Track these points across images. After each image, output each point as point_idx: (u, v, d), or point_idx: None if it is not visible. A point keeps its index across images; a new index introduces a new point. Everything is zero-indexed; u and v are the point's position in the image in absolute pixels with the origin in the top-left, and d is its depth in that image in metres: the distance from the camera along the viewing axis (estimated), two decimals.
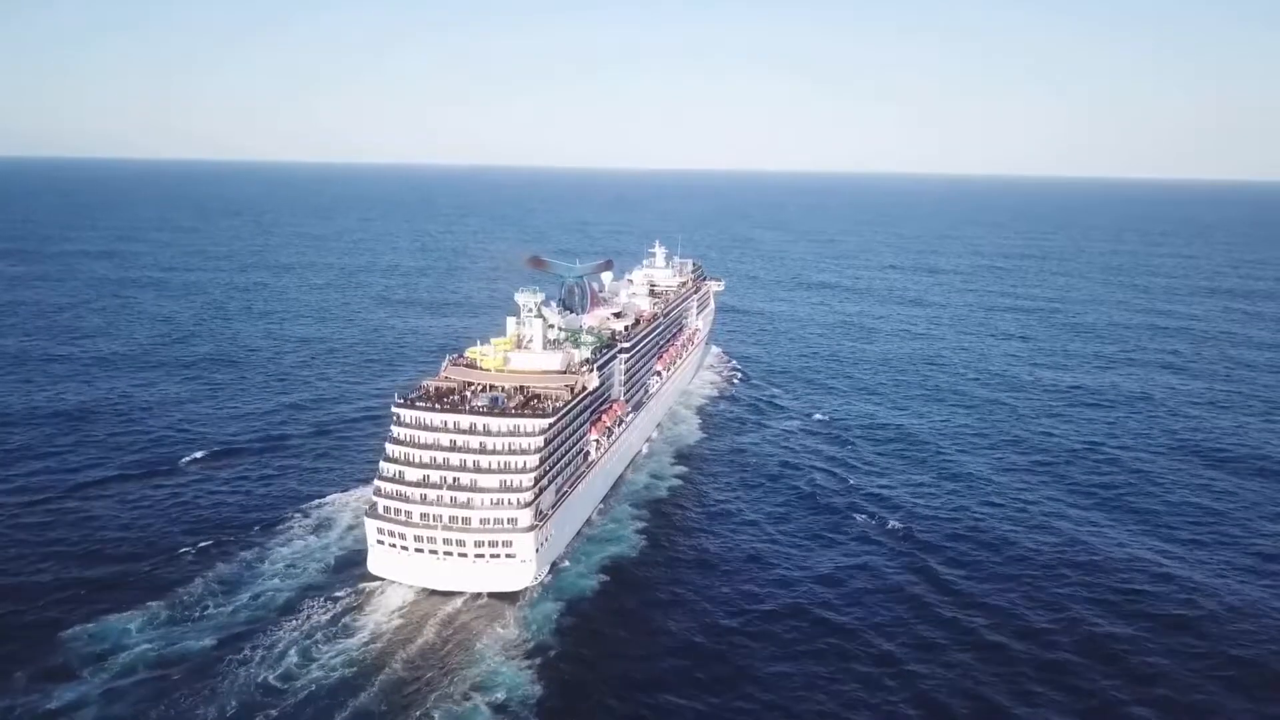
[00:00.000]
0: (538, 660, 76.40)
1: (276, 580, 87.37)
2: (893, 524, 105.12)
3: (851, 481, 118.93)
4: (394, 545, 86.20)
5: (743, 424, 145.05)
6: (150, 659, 74.84)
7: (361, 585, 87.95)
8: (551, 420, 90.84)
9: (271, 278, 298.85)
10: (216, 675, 73.11)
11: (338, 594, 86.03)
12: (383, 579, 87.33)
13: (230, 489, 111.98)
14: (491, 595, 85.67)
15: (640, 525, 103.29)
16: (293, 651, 76.19)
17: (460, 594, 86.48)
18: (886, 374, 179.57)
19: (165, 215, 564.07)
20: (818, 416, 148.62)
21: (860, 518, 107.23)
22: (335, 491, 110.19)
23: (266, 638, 78.13)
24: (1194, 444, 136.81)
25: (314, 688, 71.94)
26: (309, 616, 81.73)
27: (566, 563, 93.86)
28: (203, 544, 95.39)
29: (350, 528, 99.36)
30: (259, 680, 72.56)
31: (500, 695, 71.29)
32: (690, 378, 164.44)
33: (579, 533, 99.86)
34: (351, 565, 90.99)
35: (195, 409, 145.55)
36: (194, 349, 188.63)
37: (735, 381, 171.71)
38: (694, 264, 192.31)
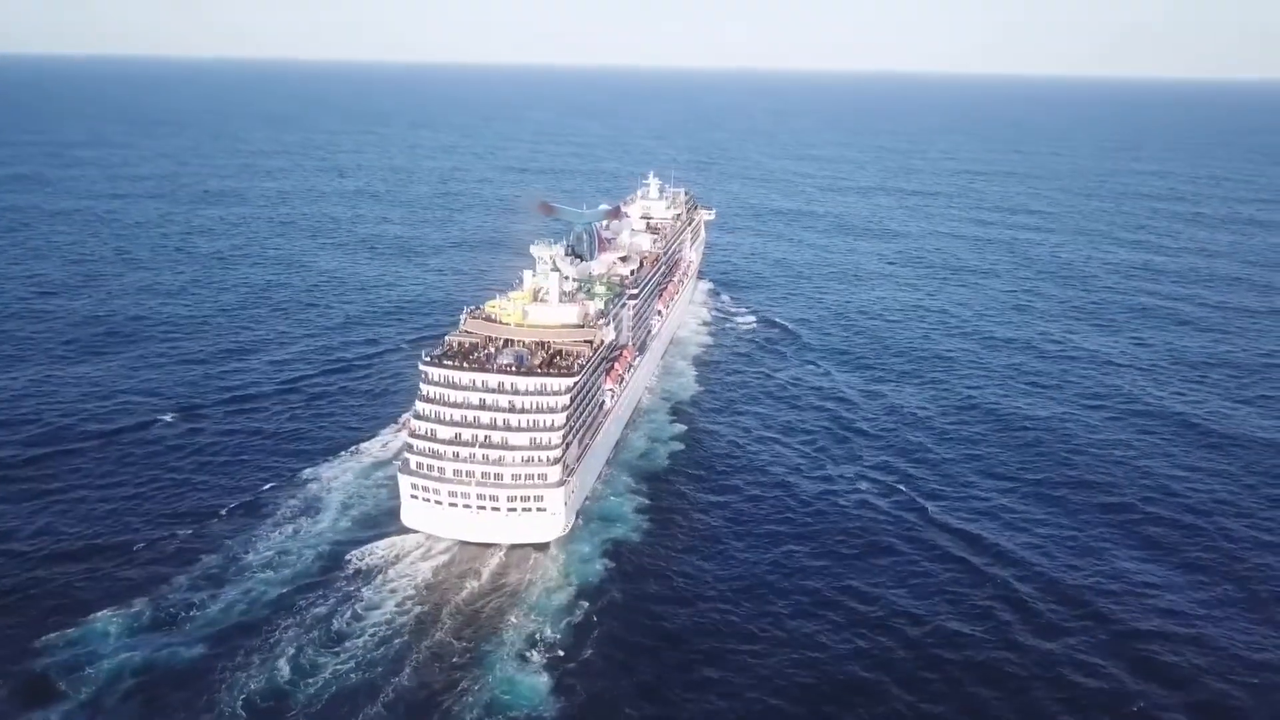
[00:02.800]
0: (552, 663, 73.04)
1: (269, 572, 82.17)
2: (899, 490, 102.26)
3: (854, 442, 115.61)
4: (428, 500, 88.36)
5: (738, 375, 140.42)
6: (136, 667, 70.06)
7: (364, 570, 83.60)
8: (576, 379, 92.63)
9: (223, 208, 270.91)
10: (211, 685, 68.65)
11: (337, 585, 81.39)
12: (416, 530, 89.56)
13: (204, 460, 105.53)
14: (523, 546, 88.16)
15: (641, 502, 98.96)
16: (291, 655, 71.81)
17: (477, 581, 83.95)
18: (878, 322, 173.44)
19: (96, 128, 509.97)
20: (813, 365, 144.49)
21: (864, 485, 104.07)
22: (316, 462, 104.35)
23: (262, 640, 73.57)
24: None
25: (316, 696, 67.93)
26: (306, 613, 77.08)
27: (573, 545, 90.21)
28: (181, 529, 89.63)
29: (345, 508, 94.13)
30: (257, 690, 68.22)
31: (520, 713, 67.81)
32: (684, 311, 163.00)
33: (585, 499, 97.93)
34: (348, 554, 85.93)
35: (149, 365, 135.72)
36: (138, 296, 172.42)
37: (726, 324, 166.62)
38: (686, 193, 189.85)
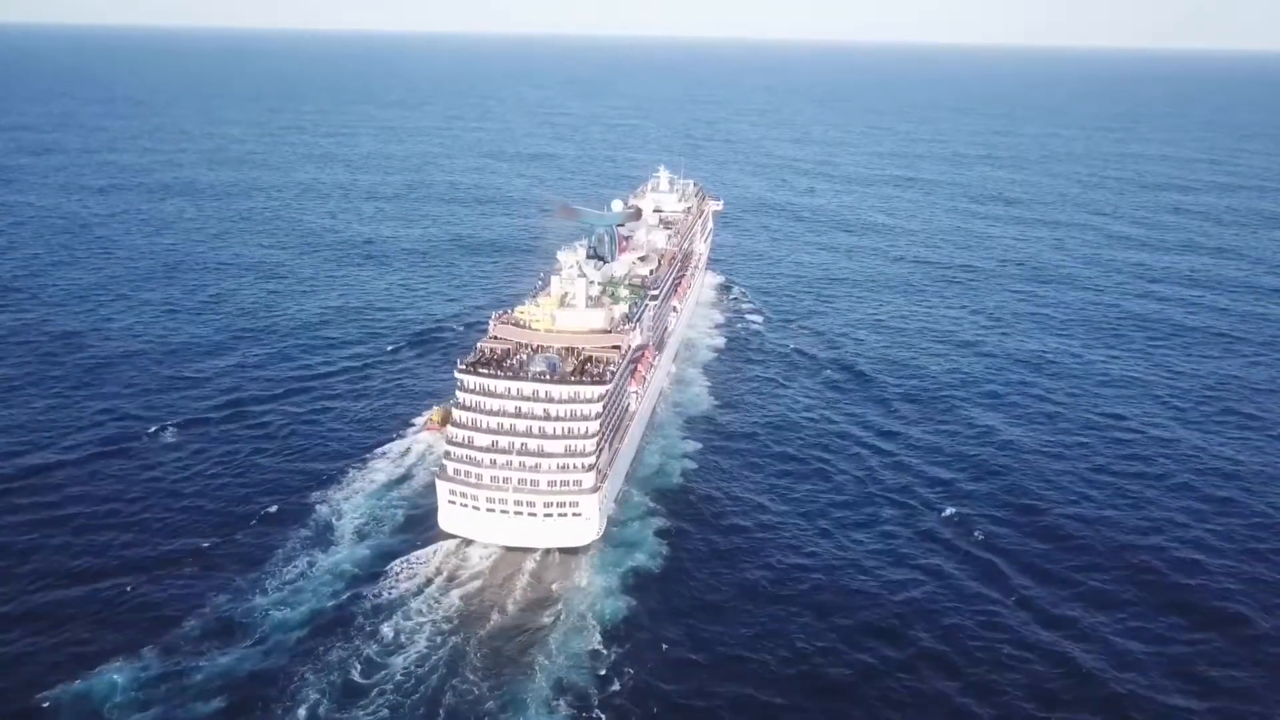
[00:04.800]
0: (580, 712, 69.82)
1: (284, 612, 78.05)
2: (948, 512, 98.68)
3: (885, 456, 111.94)
4: (465, 505, 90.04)
5: (750, 385, 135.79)
6: None
7: (384, 605, 79.68)
8: (608, 386, 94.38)
9: (205, 201, 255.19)
10: None
11: (357, 623, 77.49)
12: (455, 535, 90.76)
13: (200, 482, 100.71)
14: (560, 551, 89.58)
15: (659, 525, 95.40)
16: (313, 704, 68.27)
17: (502, 615, 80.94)
18: (889, 323, 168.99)
19: (66, 109, 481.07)
20: (830, 372, 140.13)
21: (900, 503, 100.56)
22: (323, 483, 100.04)
23: (280, 690, 69.73)
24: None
25: None
26: (327, 658, 73.24)
27: (596, 576, 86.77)
28: (186, 565, 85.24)
29: (360, 536, 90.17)
30: None
31: None
32: (695, 304, 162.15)
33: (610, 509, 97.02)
34: (367, 588, 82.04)
35: (124, 376, 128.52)
36: (100, 301, 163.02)
37: (737, 324, 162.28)
38: (695, 185, 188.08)
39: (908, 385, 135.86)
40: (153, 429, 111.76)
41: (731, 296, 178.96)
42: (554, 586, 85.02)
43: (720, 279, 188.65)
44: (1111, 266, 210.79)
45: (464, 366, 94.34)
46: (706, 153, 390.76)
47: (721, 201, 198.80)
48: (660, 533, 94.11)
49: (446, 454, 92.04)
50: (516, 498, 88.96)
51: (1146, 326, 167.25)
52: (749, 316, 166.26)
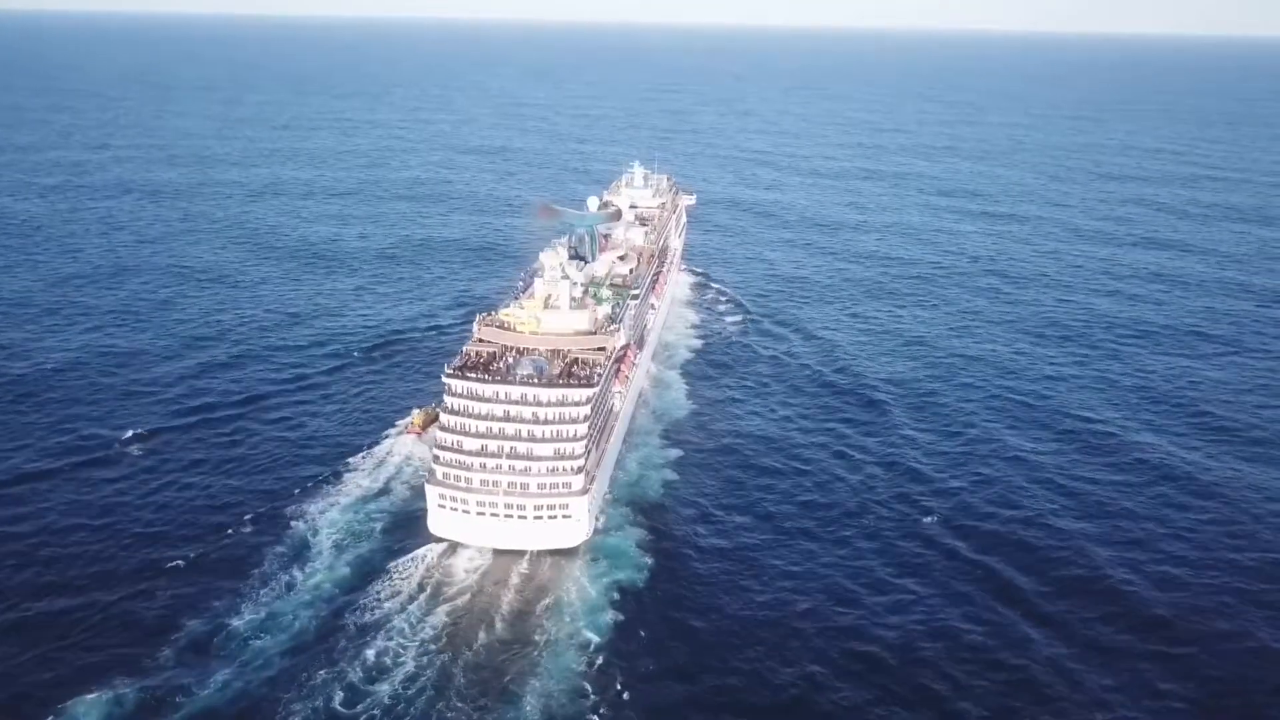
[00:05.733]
0: None
1: (264, 638, 75.39)
2: (930, 520, 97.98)
3: (866, 463, 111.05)
4: (455, 509, 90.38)
5: (730, 386, 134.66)
6: None
7: (368, 625, 77.49)
8: (595, 389, 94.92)
9: (155, 200, 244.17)
10: None
11: (340, 647, 74.80)
12: (445, 539, 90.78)
13: (167, 499, 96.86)
14: (549, 552, 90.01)
15: (641, 536, 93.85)
16: None
17: (490, 632, 79.24)
18: (877, 322, 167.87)
19: (11, 104, 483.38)
20: (807, 373, 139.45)
21: (885, 514, 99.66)
22: (296, 497, 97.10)
23: None
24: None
25: None
26: (310, 685, 70.89)
27: (583, 589, 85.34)
28: (158, 589, 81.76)
29: (338, 550, 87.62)
30: None
31: None
32: (671, 301, 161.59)
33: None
34: (348, 609, 79.57)
35: (75, 391, 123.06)
36: (76, 301, 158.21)
37: (713, 325, 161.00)
38: (669, 179, 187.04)
39: (884, 388, 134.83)
40: (113, 443, 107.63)
41: (706, 296, 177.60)
42: (540, 605, 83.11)
43: (694, 276, 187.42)
44: (1097, 262, 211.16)
45: (452, 371, 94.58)
46: (674, 144, 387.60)
47: (694, 195, 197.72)
48: (642, 544, 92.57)
49: (435, 458, 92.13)
50: (506, 501, 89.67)
51: (1117, 326, 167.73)
52: (726, 317, 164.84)
